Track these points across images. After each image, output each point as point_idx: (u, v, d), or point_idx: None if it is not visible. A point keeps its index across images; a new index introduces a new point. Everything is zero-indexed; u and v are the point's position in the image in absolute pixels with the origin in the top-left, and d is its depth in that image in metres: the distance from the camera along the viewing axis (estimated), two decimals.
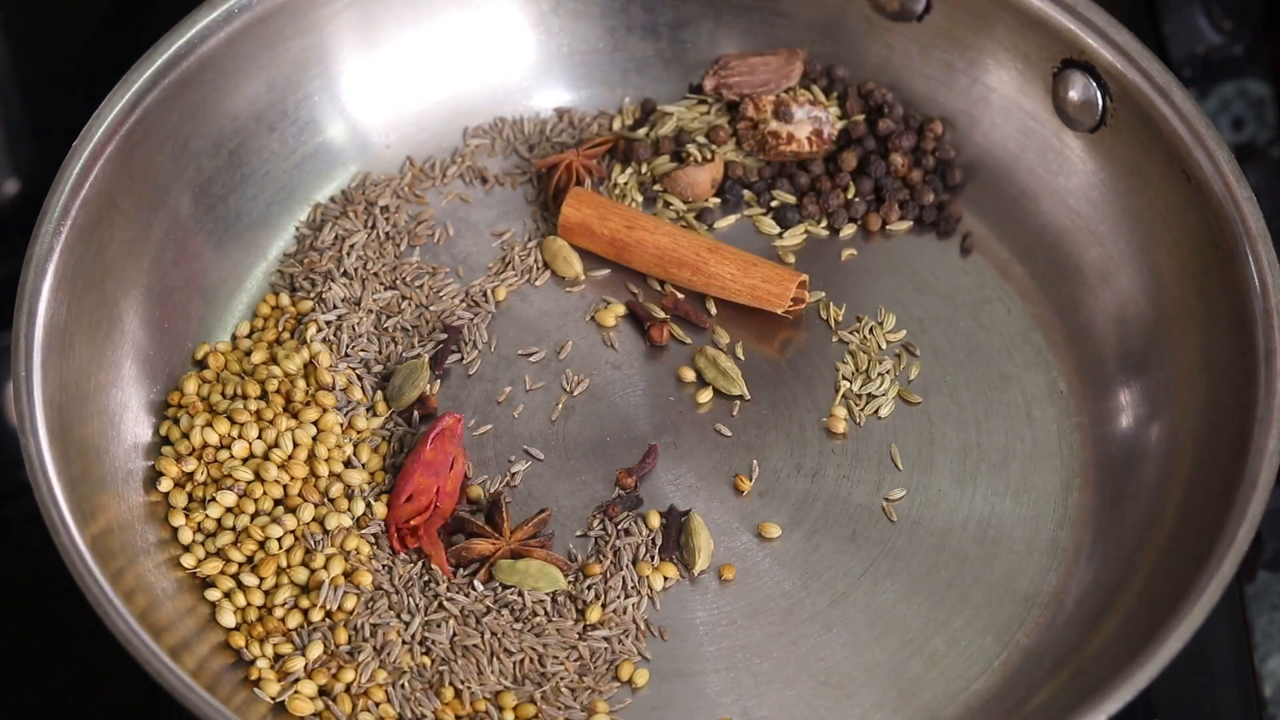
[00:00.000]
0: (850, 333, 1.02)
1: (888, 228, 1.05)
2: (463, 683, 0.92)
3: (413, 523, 0.94)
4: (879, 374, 1.01)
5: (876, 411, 1.00)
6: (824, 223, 1.05)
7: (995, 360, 1.02)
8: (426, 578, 0.94)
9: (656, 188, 1.05)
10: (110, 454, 0.94)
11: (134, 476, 0.95)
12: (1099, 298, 1.02)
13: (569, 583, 0.94)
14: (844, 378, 1.01)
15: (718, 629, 0.94)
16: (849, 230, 1.05)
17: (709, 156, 1.04)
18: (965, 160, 1.06)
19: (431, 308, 1.02)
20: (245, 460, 0.96)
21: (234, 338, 1.01)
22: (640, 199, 1.05)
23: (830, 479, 0.99)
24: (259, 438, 0.96)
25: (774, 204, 1.05)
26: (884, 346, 1.02)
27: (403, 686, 0.91)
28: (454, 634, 0.93)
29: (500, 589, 0.94)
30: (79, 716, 1.00)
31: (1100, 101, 1.01)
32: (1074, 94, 1.02)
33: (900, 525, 0.97)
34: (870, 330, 1.02)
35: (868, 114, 1.06)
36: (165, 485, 0.95)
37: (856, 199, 1.05)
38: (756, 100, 1.04)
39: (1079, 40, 1.00)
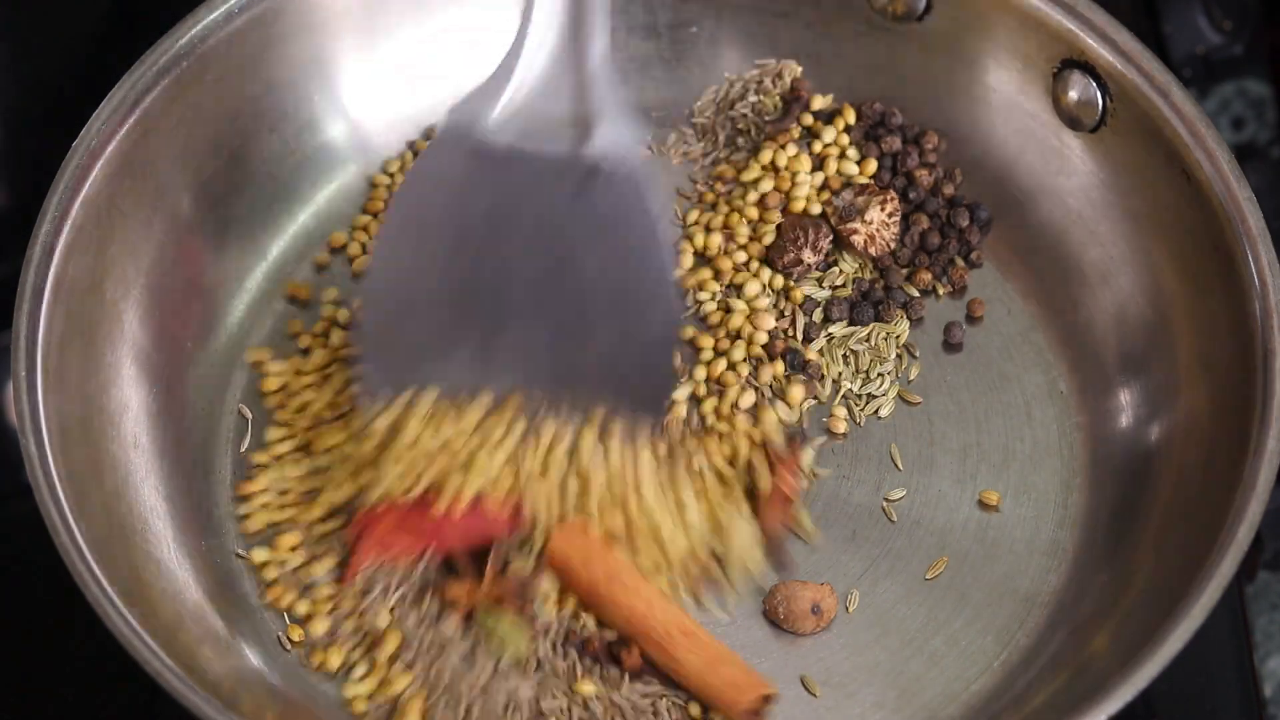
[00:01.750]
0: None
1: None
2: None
3: (375, 528, 0.93)
4: (879, 374, 1.01)
5: (876, 411, 1.00)
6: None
7: (995, 360, 1.02)
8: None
9: None
10: (110, 453, 0.94)
11: (134, 475, 0.95)
12: (1099, 298, 1.02)
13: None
14: (844, 378, 1.01)
15: (717, 629, 0.94)
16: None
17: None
18: (966, 160, 1.06)
19: None
20: None
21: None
22: None
23: (830, 479, 0.99)
24: None
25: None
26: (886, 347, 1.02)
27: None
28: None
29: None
30: (79, 716, 1.00)
31: (1100, 101, 1.01)
32: (1074, 94, 1.02)
33: (900, 525, 0.97)
34: (872, 330, 1.02)
35: (866, 132, 1.06)
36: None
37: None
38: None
39: (1079, 40, 1.00)
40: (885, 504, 0.98)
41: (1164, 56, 1.15)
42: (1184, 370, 0.97)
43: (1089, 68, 1.00)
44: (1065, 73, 1.02)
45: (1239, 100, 1.24)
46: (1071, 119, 1.02)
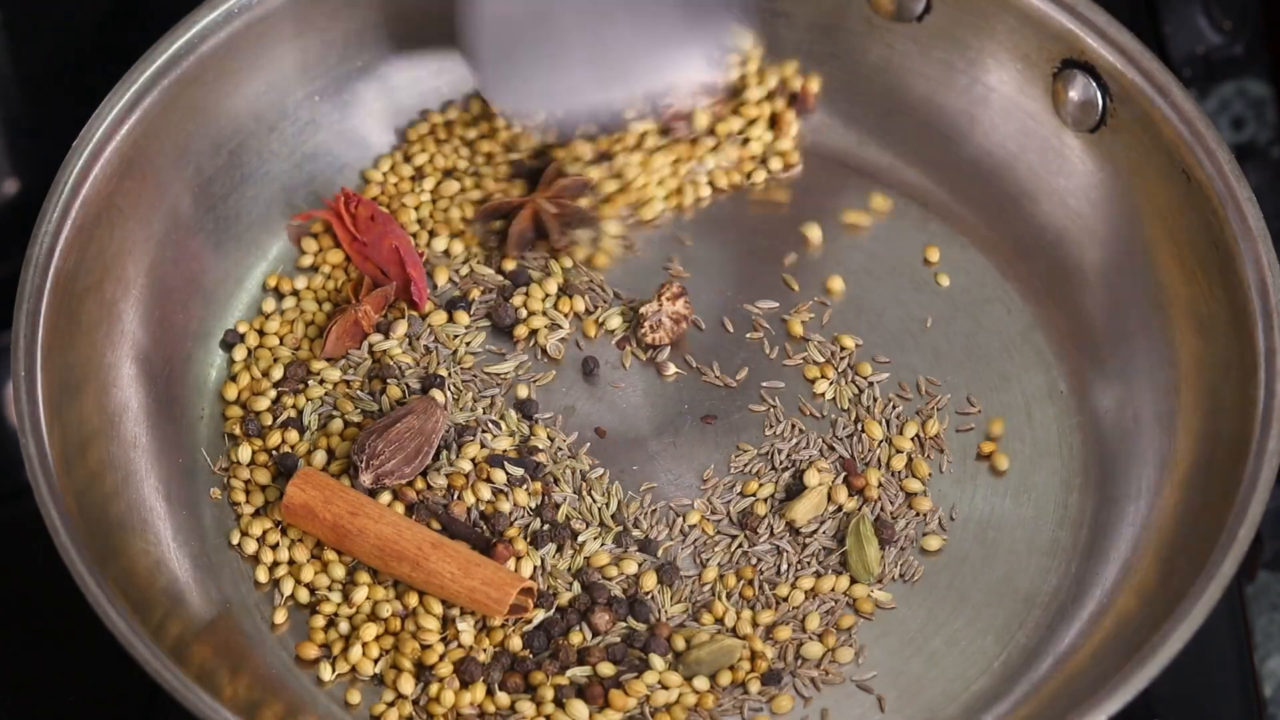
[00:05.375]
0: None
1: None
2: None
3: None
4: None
5: None
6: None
7: (995, 360, 1.02)
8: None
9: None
10: (110, 454, 0.94)
11: (134, 476, 0.95)
12: (1099, 298, 1.02)
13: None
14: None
15: None
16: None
17: None
18: (966, 158, 1.06)
19: None
20: None
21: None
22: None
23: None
24: None
25: None
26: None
27: None
28: None
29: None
30: (79, 716, 1.00)
31: (1100, 101, 1.01)
32: (1074, 94, 1.02)
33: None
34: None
35: None
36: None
37: None
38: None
39: (1079, 40, 1.00)
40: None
41: (1164, 56, 1.15)
42: (1183, 370, 0.97)
43: (1089, 68, 1.00)
44: (1065, 73, 1.02)
45: (1239, 100, 1.24)
46: (1071, 119, 1.02)
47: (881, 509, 0.97)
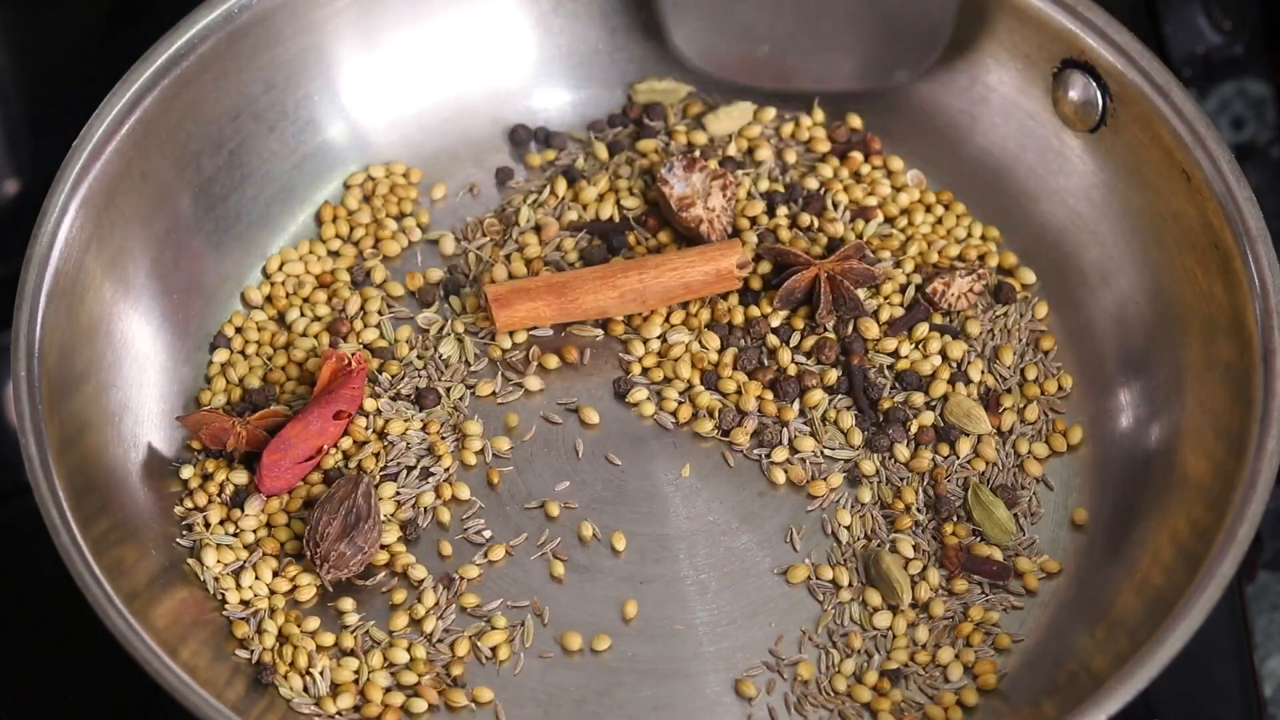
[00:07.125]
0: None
1: None
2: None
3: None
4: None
5: None
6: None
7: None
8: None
9: None
10: (110, 454, 0.95)
11: (133, 476, 0.95)
12: (1099, 298, 1.02)
13: None
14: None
15: (718, 629, 0.95)
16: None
17: None
18: (966, 158, 1.06)
19: None
20: None
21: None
22: None
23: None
24: None
25: None
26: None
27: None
28: None
29: None
30: (79, 716, 1.00)
31: (1100, 101, 1.01)
32: (1074, 94, 1.02)
33: None
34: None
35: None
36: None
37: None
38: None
39: (1079, 40, 1.00)
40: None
41: (1164, 56, 1.15)
42: (1184, 370, 0.97)
43: (1089, 68, 1.01)
44: (1065, 73, 1.02)
45: (1239, 100, 1.24)
46: (1071, 119, 1.02)
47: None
